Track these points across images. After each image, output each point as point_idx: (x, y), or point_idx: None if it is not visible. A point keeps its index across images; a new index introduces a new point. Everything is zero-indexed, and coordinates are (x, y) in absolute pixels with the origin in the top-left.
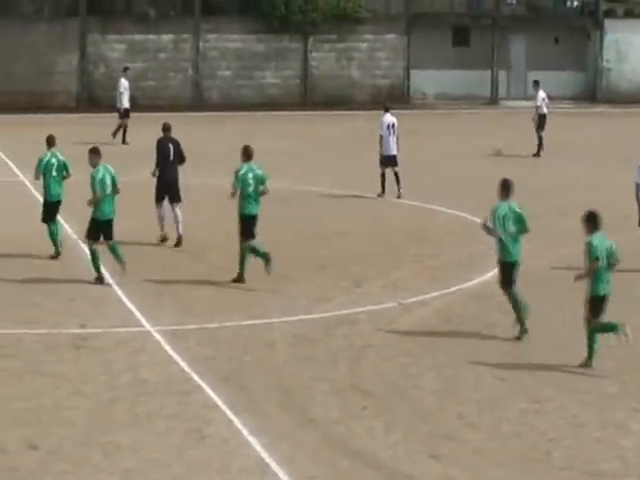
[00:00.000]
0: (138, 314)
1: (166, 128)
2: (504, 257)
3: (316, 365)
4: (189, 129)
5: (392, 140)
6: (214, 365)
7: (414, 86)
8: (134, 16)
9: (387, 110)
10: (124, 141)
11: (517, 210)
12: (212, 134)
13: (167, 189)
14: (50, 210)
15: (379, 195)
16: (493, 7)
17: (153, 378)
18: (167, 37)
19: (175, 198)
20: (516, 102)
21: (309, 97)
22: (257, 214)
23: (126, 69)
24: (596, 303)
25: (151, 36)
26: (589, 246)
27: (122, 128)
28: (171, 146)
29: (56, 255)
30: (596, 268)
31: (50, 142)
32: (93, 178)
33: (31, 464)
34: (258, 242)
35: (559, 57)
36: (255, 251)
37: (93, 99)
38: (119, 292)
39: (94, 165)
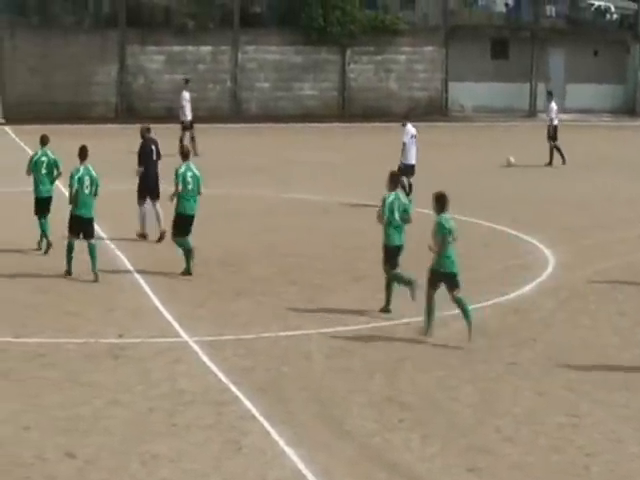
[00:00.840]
0: (176, 324)
1: (147, 130)
2: (390, 242)
3: (353, 377)
4: (227, 140)
5: (413, 149)
6: (251, 376)
7: (452, 98)
8: (173, 28)
9: (406, 120)
10: (195, 153)
11: (404, 200)
12: (250, 145)
13: (150, 188)
14: (40, 205)
15: None
16: (532, 20)
17: (191, 388)
18: (206, 49)
19: (156, 196)
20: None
21: (347, 109)
22: (194, 214)
23: (187, 81)
24: (435, 276)
25: (190, 48)
26: (439, 225)
27: (190, 139)
28: (153, 147)
29: (47, 248)
30: (445, 243)
31: (43, 141)
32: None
33: (69, 473)
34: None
35: (598, 70)
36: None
37: (132, 110)
38: (157, 302)
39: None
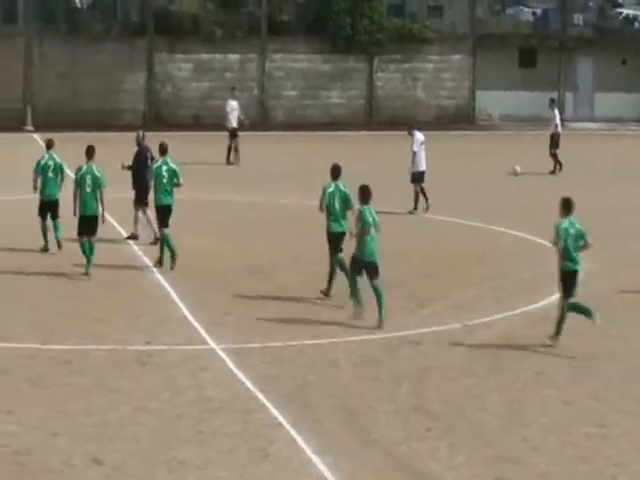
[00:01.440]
0: (203, 332)
1: (142, 137)
2: (331, 229)
3: (380, 385)
4: (255, 148)
5: (422, 156)
6: (278, 384)
7: (479, 107)
8: (201, 36)
9: (411, 128)
10: (228, 161)
11: (344, 190)
12: (277, 153)
13: (145, 194)
14: (45, 208)
15: (410, 212)
16: (560, 28)
17: (217, 396)
18: (233, 57)
19: (146, 203)
20: (583, 124)
21: (374, 117)
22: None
23: (233, 89)
24: (356, 263)
25: (217, 56)
26: (361, 214)
27: (232, 148)
28: (148, 154)
29: (44, 249)
30: (366, 234)
31: (49, 145)
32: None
33: (96, 479)
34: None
35: (626, 79)
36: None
37: (159, 117)
38: (184, 310)
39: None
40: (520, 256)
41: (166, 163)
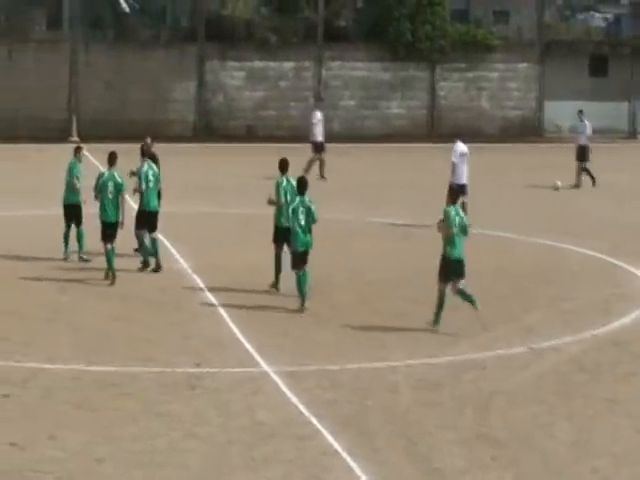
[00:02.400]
0: (256, 354)
1: (149, 145)
2: (278, 223)
3: (441, 411)
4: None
5: (463, 168)
6: (334, 409)
7: (547, 118)
8: (255, 42)
9: (458, 138)
10: (322, 176)
11: (294, 185)
12: (334, 166)
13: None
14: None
15: None
16: (632, 35)
17: (270, 421)
18: (288, 64)
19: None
20: None
21: (436, 129)
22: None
23: (320, 99)
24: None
25: (272, 63)
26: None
27: (318, 162)
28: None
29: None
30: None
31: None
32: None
33: None
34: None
35: None
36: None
37: (210, 128)
38: (236, 330)
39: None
40: (590, 276)
41: (151, 167)
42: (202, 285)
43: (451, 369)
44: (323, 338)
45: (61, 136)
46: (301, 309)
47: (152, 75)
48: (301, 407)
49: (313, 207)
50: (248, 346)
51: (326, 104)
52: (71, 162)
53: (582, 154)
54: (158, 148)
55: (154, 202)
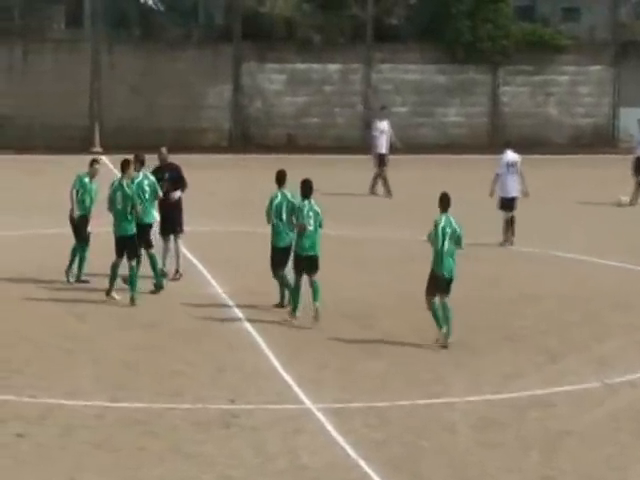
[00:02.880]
0: (296, 388)
1: (164, 155)
2: (275, 243)
3: (504, 453)
4: (359, 174)
5: (512, 180)
6: (384, 450)
7: (622, 126)
8: (296, 42)
9: (507, 146)
10: (373, 190)
11: (292, 200)
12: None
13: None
14: (280, 258)
15: (501, 244)
16: None
17: (313, 464)
18: (334, 67)
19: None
20: None
21: (499, 138)
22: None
23: (383, 108)
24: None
25: (315, 65)
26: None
27: (379, 177)
28: (175, 174)
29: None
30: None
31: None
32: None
33: None
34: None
35: None
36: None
37: (248, 137)
38: (275, 362)
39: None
40: None
41: (147, 177)
42: (237, 312)
43: (515, 407)
44: (371, 370)
45: (82, 146)
46: (292, 316)
47: (183, 78)
48: (347, 448)
49: (320, 211)
50: (288, 379)
51: (376, 111)
52: (78, 174)
53: (638, 167)
54: (188, 160)
55: (149, 216)
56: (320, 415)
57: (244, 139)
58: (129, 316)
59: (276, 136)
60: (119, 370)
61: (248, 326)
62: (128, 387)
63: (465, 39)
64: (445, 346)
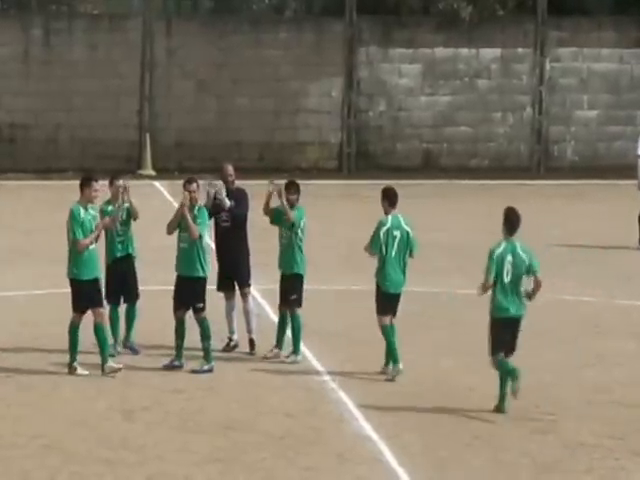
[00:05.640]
0: None
1: (229, 174)
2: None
3: None
4: (531, 206)
5: None
6: None
7: None
8: (435, 18)
9: None
10: None
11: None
12: (560, 213)
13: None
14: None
15: None
16: None
17: None
18: (490, 52)
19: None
20: None
21: None
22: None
23: None
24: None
25: (463, 51)
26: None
27: None
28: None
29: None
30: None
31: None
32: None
33: None
34: None
35: None
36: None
37: (366, 156)
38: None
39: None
40: None
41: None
42: (353, 409)
43: None
44: None
45: (127, 168)
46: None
47: (271, 70)
48: None
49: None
50: None
51: (552, 116)
52: (100, 206)
53: None
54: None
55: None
56: None
57: (361, 158)
58: (187, 407)
59: (408, 153)
60: None
61: (366, 427)
62: None
63: None
64: None
